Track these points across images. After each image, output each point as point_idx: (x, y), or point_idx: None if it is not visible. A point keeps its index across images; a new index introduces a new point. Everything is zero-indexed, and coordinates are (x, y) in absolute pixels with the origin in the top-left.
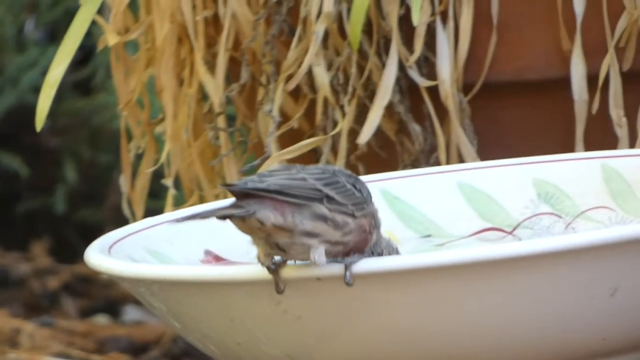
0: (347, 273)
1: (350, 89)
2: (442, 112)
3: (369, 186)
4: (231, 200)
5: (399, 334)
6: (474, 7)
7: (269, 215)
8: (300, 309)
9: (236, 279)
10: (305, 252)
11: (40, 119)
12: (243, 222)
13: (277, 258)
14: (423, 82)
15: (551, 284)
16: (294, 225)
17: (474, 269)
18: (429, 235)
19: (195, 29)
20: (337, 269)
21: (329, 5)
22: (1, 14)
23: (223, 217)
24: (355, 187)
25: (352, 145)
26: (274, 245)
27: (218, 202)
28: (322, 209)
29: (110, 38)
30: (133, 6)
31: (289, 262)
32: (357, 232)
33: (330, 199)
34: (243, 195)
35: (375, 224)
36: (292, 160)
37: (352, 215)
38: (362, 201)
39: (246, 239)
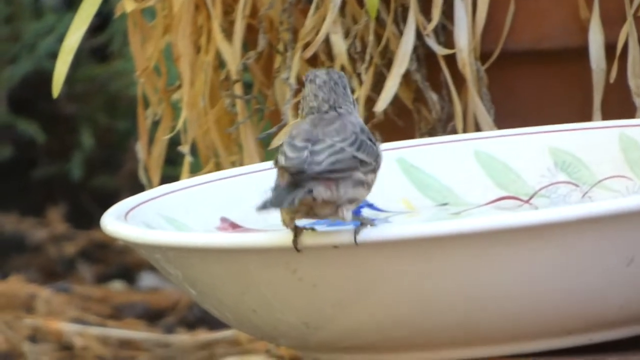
0: (357, 236)
1: (367, 57)
2: (459, 80)
3: (386, 154)
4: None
5: (415, 302)
6: None
7: (321, 191)
8: (316, 277)
9: (252, 246)
10: (334, 213)
11: (57, 85)
12: (301, 201)
13: (299, 223)
14: (440, 51)
15: (567, 253)
16: (339, 197)
17: (490, 238)
18: (445, 204)
19: None
20: (352, 237)
21: None
22: None
23: (292, 201)
24: (371, 140)
25: (369, 114)
26: (310, 214)
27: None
28: (360, 175)
29: (128, 4)
30: None
31: (309, 224)
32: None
33: (362, 162)
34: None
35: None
36: None
37: (374, 170)
38: (378, 153)
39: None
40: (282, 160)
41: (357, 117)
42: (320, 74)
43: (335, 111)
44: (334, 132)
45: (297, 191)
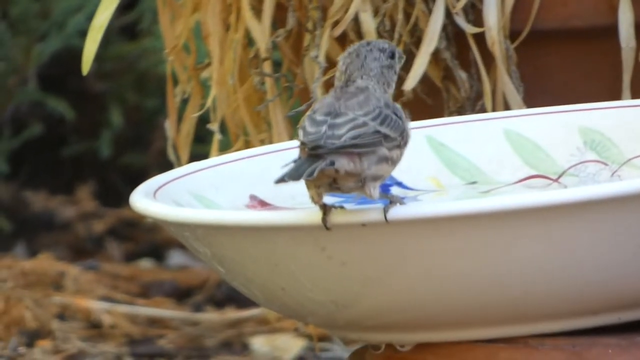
0: (387, 215)
1: (396, 35)
2: (488, 59)
3: (415, 133)
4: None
5: (444, 280)
6: None
7: (344, 163)
8: (345, 255)
9: (281, 224)
10: (359, 188)
11: (87, 63)
12: (322, 172)
13: (328, 201)
14: (470, 29)
15: (596, 232)
16: (362, 170)
17: (519, 216)
18: (474, 182)
19: None
20: (381, 215)
21: None
22: None
23: (311, 173)
24: (397, 115)
25: (398, 92)
26: (334, 188)
27: (279, 145)
28: (384, 150)
29: None
30: None
31: (338, 203)
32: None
33: (386, 136)
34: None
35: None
36: None
37: (399, 146)
38: (404, 128)
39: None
40: (300, 134)
41: (383, 93)
42: (357, 44)
43: (356, 85)
44: (356, 106)
45: (317, 162)
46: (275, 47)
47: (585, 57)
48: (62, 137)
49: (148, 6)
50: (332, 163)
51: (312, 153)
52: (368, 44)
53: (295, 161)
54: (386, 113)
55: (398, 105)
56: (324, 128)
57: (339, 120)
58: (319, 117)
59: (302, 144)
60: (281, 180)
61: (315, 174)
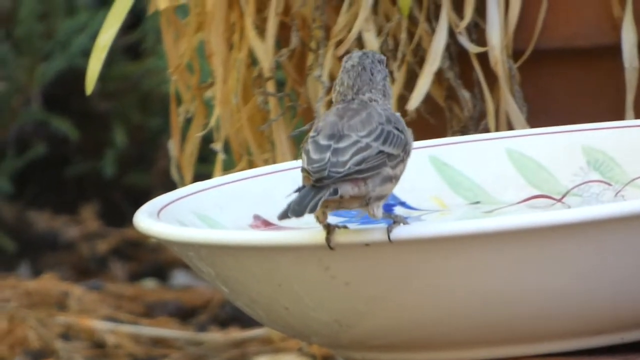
0: (390, 235)
1: (399, 54)
2: (491, 78)
3: (418, 153)
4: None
5: (447, 300)
6: None
7: (348, 189)
8: (349, 275)
9: (285, 243)
10: (363, 206)
11: (90, 82)
12: (326, 202)
13: (332, 220)
14: (473, 49)
15: (600, 252)
16: (367, 192)
17: (522, 236)
18: (477, 202)
19: None
20: (385, 235)
21: None
22: None
23: (314, 207)
24: (398, 129)
25: (402, 111)
26: (340, 208)
27: (283, 164)
28: (388, 170)
29: (161, 2)
30: None
31: (341, 222)
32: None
33: (390, 155)
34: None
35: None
36: None
37: (402, 160)
38: (406, 141)
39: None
40: (304, 161)
41: (386, 105)
42: (354, 56)
43: (360, 99)
44: (359, 125)
45: (320, 193)
46: (278, 66)
47: (588, 76)
48: (66, 156)
49: (152, 26)
50: (336, 191)
51: (317, 185)
52: (367, 55)
53: (298, 190)
54: (388, 130)
55: (398, 115)
56: (327, 155)
57: (342, 145)
58: (323, 142)
59: (306, 171)
60: (284, 216)
61: (319, 207)
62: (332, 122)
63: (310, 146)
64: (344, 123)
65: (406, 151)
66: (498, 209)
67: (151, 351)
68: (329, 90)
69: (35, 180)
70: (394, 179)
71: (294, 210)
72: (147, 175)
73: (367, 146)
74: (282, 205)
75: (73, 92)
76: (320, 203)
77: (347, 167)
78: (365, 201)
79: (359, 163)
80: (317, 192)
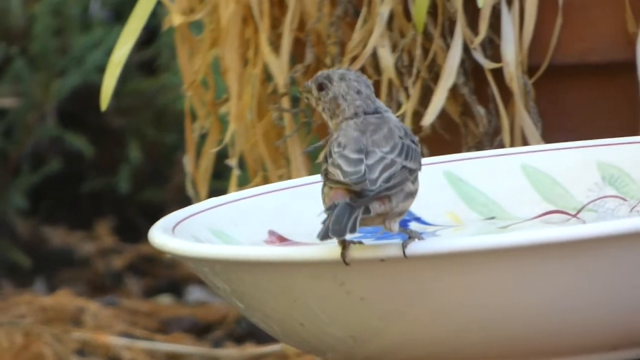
0: (405, 250)
1: (414, 70)
2: (506, 94)
3: (433, 168)
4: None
5: (462, 315)
6: None
7: (376, 207)
8: (364, 290)
9: (300, 259)
10: (382, 222)
11: (105, 98)
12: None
13: (347, 236)
14: (487, 64)
15: (617, 267)
16: (391, 209)
17: (538, 252)
18: (492, 218)
19: (260, 10)
20: (400, 251)
21: None
22: None
23: (354, 227)
24: (414, 143)
25: (416, 127)
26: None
27: (302, 179)
28: (410, 185)
29: (175, 18)
30: None
31: (356, 238)
32: None
33: (411, 170)
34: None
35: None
36: None
37: (419, 170)
38: (419, 152)
39: (312, 216)
40: (338, 174)
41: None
42: (345, 71)
43: (376, 109)
44: (382, 141)
45: (355, 212)
46: (293, 82)
47: (603, 92)
48: (81, 172)
49: (166, 42)
50: (368, 209)
51: (356, 195)
52: (348, 69)
53: (330, 209)
54: (407, 144)
55: (407, 127)
56: (362, 167)
57: (370, 162)
58: (353, 155)
59: (339, 183)
60: (325, 236)
61: (357, 226)
62: (356, 138)
63: (340, 160)
64: (368, 138)
65: (421, 164)
66: (513, 224)
67: None
68: None
69: (51, 196)
70: (414, 194)
71: (335, 230)
72: (162, 191)
73: (393, 162)
74: (316, 224)
75: (88, 108)
76: (358, 222)
77: (378, 184)
78: (386, 217)
79: (387, 180)
80: (352, 210)
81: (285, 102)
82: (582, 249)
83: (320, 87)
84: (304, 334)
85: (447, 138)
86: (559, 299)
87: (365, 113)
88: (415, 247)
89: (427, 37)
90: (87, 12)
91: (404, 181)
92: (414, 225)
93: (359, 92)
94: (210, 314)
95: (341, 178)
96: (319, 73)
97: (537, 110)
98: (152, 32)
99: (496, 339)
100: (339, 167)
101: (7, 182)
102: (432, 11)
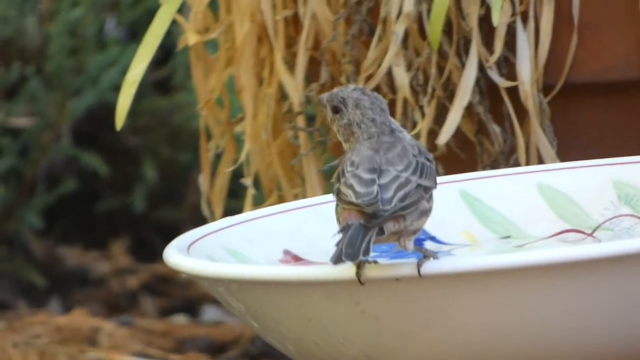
0: (420, 270)
1: (429, 89)
2: (521, 112)
3: (449, 187)
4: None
5: (478, 335)
6: (554, 8)
7: (390, 226)
8: (379, 309)
9: (315, 279)
10: (397, 240)
11: (120, 117)
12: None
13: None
14: (503, 83)
15: (633, 285)
16: (405, 227)
17: (554, 271)
18: (508, 237)
19: (275, 29)
20: (415, 270)
21: (409, 6)
22: (82, 13)
23: (367, 250)
24: (429, 160)
25: (432, 146)
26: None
27: (314, 198)
28: (424, 203)
29: (190, 37)
30: (213, 5)
31: (371, 257)
32: None
33: (426, 188)
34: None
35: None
36: None
37: (434, 188)
38: (434, 169)
39: (327, 235)
40: (350, 195)
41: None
42: (360, 96)
43: (390, 129)
44: (396, 159)
45: (369, 234)
46: (308, 101)
47: (619, 110)
48: (96, 192)
49: (181, 61)
50: (382, 230)
51: (370, 217)
52: (363, 92)
53: (343, 230)
54: (422, 162)
55: (421, 145)
56: (375, 188)
57: (384, 181)
58: (365, 176)
59: (351, 204)
60: (339, 260)
61: (371, 250)
62: (369, 157)
63: (352, 180)
64: (382, 157)
65: (436, 182)
66: (528, 243)
67: None
68: None
69: (66, 215)
70: (428, 212)
71: (348, 254)
72: (177, 211)
73: (407, 181)
74: (331, 243)
75: (103, 127)
76: (372, 244)
77: (393, 204)
78: (401, 236)
79: (402, 199)
80: (366, 232)
81: (301, 121)
82: (598, 268)
83: (335, 110)
84: (319, 353)
85: (462, 157)
86: (575, 318)
87: (378, 136)
88: (431, 267)
89: (442, 55)
90: (102, 32)
91: (419, 199)
92: (429, 244)
93: (373, 120)
94: (226, 333)
95: (353, 199)
96: (335, 92)
97: (553, 129)
98: (167, 51)
99: (510, 359)
100: (351, 187)
101: (22, 201)
102: (447, 30)
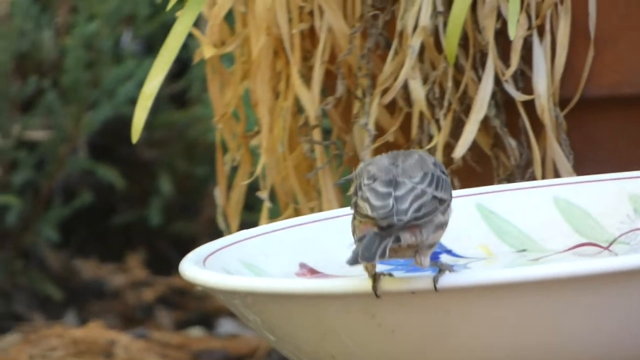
0: (437, 284)
1: (445, 102)
2: (538, 126)
3: (465, 200)
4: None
5: (494, 348)
6: (571, 21)
7: (407, 237)
8: (395, 323)
9: (331, 292)
10: (413, 255)
11: (136, 131)
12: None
13: (378, 268)
14: (519, 96)
15: None
16: (422, 241)
17: (569, 284)
18: (524, 250)
19: (291, 42)
20: (431, 284)
21: (425, 19)
22: (98, 27)
23: (383, 253)
24: (444, 173)
25: (448, 159)
26: (392, 256)
27: (332, 212)
28: (440, 216)
29: (207, 51)
30: (229, 19)
31: (387, 270)
32: None
33: (441, 200)
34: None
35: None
36: None
37: (449, 205)
38: (449, 182)
39: (348, 247)
40: (367, 209)
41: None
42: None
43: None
44: (413, 169)
45: (385, 241)
46: (324, 114)
47: (635, 124)
48: (112, 205)
49: (197, 74)
50: (398, 239)
51: (384, 229)
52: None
53: (361, 239)
54: (438, 175)
55: (436, 159)
56: (390, 202)
57: (400, 193)
58: (382, 189)
59: (367, 217)
60: (354, 261)
61: (387, 254)
62: (386, 168)
63: (369, 194)
64: (398, 167)
65: (451, 195)
66: (544, 256)
67: None
68: (375, 139)
69: (82, 228)
70: (444, 226)
71: (364, 256)
72: (193, 224)
73: (423, 192)
74: (346, 253)
75: (119, 140)
76: (388, 249)
77: (409, 215)
78: (416, 249)
79: (417, 210)
80: (382, 239)
81: (317, 135)
82: (615, 281)
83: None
84: None
85: (478, 170)
86: (591, 331)
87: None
88: (447, 280)
89: (459, 69)
90: (118, 45)
91: (434, 211)
92: (445, 258)
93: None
94: (241, 346)
95: (369, 212)
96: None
97: (569, 143)
98: (183, 65)
99: None
100: (367, 200)
101: (38, 214)
102: (464, 43)
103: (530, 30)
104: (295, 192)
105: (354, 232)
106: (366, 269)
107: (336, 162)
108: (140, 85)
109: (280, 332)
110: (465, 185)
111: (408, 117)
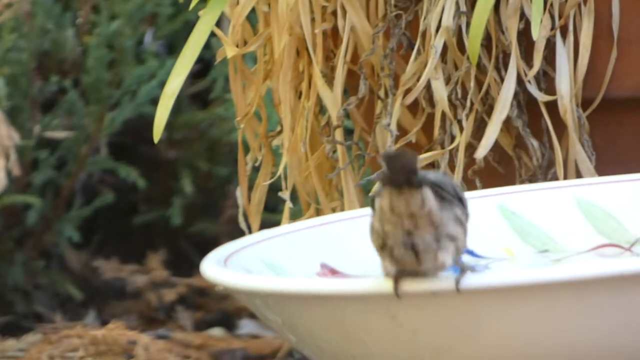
0: (458, 283)
1: (468, 103)
2: (560, 127)
3: (487, 201)
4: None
5: (516, 350)
6: (594, 22)
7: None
8: (416, 323)
9: (352, 292)
10: (435, 259)
11: (158, 130)
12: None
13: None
14: (542, 97)
15: None
16: (441, 221)
17: (591, 285)
18: (546, 251)
19: (313, 42)
20: (453, 284)
21: (448, 19)
22: (120, 26)
23: (406, 178)
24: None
25: (470, 160)
26: (409, 247)
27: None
28: (459, 212)
29: (229, 50)
30: (252, 18)
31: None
32: None
33: (461, 203)
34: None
35: None
36: None
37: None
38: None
39: (369, 247)
40: None
41: None
42: None
43: None
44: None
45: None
46: (346, 114)
47: None
48: (133, 205)
49: (220, 73)
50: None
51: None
52: None
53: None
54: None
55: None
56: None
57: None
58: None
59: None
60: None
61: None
62: None
63: None
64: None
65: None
66: (566, 257)
67: None
68: (397, 139)
69: (103, 228)
70: (464, 227)
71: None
72: (215, 224)
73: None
74: (368, 257)
75: (141, 140)
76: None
77: (429, 179)
78: (436, 233)
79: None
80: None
81: (339, 135)
82: (636, 282)
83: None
84: None
85: (500, 171)
86: (613, 333)
87: None
88: (468, 281)
89: (481, 69)
90: (140, 45)
91: (454, 196)
92: (466, 258)
93: None
94: (262, 347)
95: None
96: None
97: (591, 143)
98: (205, 64)
99: None
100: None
101: (59, 214)
102: (486, 43)
103: (554, 30)
104: (316, 193)
105: (371, 234)
106: (385, 270)
107: (358, 163)
108: (162, 84)
109: (301, 333)
110: (487, 185)
111: (430, 117)
